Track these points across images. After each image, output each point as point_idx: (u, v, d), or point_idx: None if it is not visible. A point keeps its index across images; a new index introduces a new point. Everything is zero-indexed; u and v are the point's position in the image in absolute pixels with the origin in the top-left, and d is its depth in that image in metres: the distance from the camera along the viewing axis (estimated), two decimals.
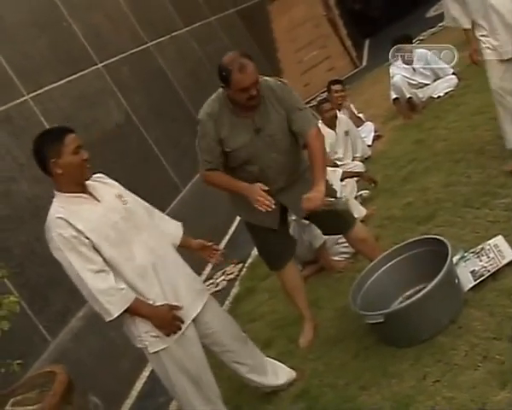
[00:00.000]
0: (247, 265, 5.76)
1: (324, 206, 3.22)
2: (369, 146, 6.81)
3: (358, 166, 6.15)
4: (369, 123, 7.31)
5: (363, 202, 5.37)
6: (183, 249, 3.23)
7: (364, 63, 12.86)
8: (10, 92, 5.68)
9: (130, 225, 2.89)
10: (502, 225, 3.70)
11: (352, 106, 7.29)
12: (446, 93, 7.13)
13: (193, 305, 3.02)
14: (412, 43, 7.43)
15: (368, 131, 7.15)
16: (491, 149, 4.81)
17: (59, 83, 6.38)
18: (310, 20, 13.51)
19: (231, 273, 5.80)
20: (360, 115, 7.35)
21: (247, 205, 3.31)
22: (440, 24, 11.06)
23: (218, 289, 5.65)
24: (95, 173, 2.98)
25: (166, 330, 2.89)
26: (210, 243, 3.31)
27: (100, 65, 7.26)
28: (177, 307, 2.93)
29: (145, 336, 2.90)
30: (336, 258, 4.64)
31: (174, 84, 8.60)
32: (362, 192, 5.58)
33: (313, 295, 4.18)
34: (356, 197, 5.40)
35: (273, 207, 3.18)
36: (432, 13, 12.77)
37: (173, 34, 9.51)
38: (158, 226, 3.09)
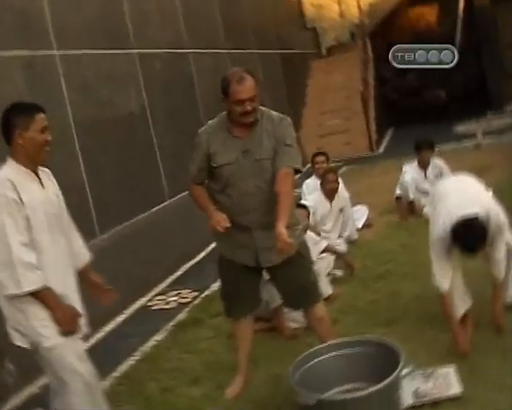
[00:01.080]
0: (202, 295, 5.69)
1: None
2: (357, 230, 6.81)
3: (342, 246, 6.14)
4: (363, 207, 7.33)
5: (334, 281, 5.34)
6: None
7: (382, 150, 12.97)
8: (41, 41, 5.67)
9: (57, 225, 2.98)
10: (459, 355, 3.66)
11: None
12: None
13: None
14: (433, 151, 7.48)
15: (361, 215, 7.16)
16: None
17: (90, 51, 6.37)
18: (345, 89, 13.66)
19: (185, 298, 5.73)
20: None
21: (228, 237, 3.33)
22: (466, 144, 11.26)
23: (166, 307, 5.58)
24: (47, 167, 3.07)
25: (65, 327, 2.87)
26: (108, 288, 3.28)
27: (135, 51, 7.27)
28: (79, 313, 2.97)
29: (41, 329, 2.85)
30: (290, 324, 4.58)
31: (197, 97, 8.62)
32: (336, 271, 5.55)
33: (255, 351, 4.11)
34: (328, 274, 5.37)
35: (227, 225, 3.22)
36: (460, 129, 12.92)
37: (214, 51, 9.57)
38: (71, 241, 3.12)
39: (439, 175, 7.31)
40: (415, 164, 7.42)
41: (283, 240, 3.02)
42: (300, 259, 3.52)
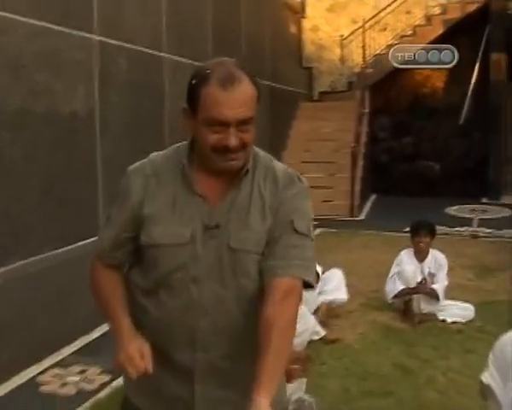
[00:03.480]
0: (114, 384, 4.02)
1: None
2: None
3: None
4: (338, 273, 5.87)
5: None
6: None
7: (363, 217, 11.50)
8: None
9: None
10: None
11: None
12: (454, 323, 5.67)
13: None
14: (433, 237, 6.03)
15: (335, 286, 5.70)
16: None
17: (31, 21, 4.76)
18: (334, 140, 12.23)
19: (90, 381, 4.06)
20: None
21: (145, 379, 1.70)
22: (462, 229, 9.89)
23: (60, 391, 3.91)
24: None
25: None
26: None
27: (96, 37, 5.67)
28: None
29: None
30: None
31: (165, 112, 7.03)
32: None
33: None
34: None
35: (150, 370, 1.65)
36: (454, 212, 11.58)
37: (197, 63, 8.00)
38: None
39: (436, 272, 5.91)
40: (411, 254, 5.99)
41: None
42: None
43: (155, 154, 1.89)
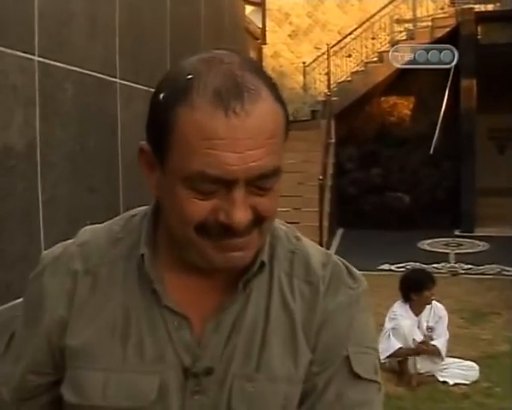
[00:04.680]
0: None
1: None
2: None
3: None
4: None
5: None
6: None
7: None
8: None
9: None
10: None
11: None
12: (457, 384, 4.91)
13: None
14: (432, 287, 5.31)
15: None
16: None
17: None
18: (299, 173, 11.50)
19: None
20: None
21: None
22: (439, 266, 9.24)
23: None
24: None
25: None
26: None
27: (36, 58, 4.80)
28: None
29: None
30: None
31: (119, 147, 6.17)
32: None
33: None
34: None
35: None
36: (425, 245, 10.97)
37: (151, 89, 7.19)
38: None
39: (436, 325, 5.20)
40: (407, 308, 5.25)
41: None
42: None
43: (90, 229, 1.08)
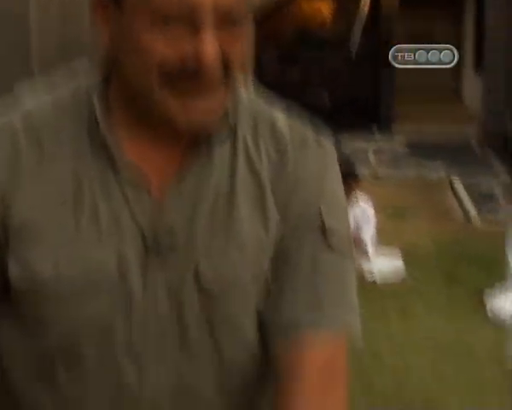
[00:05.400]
0: None
1: None
2: None
3: None
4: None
5: None
6: None
7: None
8: None
9: None
10: None
11: None
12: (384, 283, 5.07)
13: None
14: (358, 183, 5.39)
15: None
16: None
17: None
18: None
19: None
20: None
21: None
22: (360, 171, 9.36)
23: None
24: None
25: None
26: None
27: None
28: None
29: None
30: None
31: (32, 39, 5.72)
32: None
33: None
34: None
35: None
36: (348, 148, 11.08)
37: None
38: None
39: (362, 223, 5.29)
40: None
41: None
42: None
43: (30, 92, 0.96)
